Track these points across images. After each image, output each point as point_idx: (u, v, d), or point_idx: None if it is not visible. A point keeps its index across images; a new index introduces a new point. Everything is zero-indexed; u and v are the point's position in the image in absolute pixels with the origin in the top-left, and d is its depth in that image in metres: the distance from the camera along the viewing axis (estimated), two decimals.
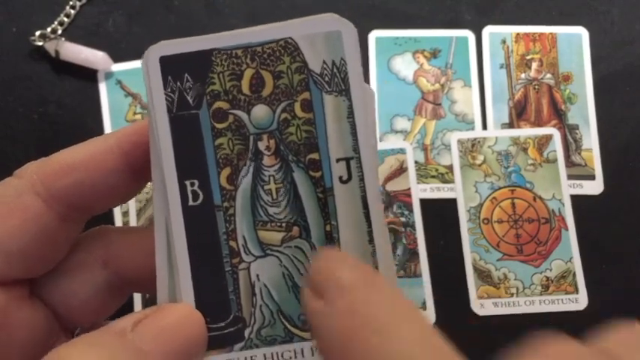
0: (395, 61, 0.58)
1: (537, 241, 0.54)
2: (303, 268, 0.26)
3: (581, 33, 0.59)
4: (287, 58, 0.26)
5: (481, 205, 0.55)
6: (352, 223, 0.25)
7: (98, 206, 0.27)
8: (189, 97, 0.25)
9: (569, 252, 0.54)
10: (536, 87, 0.58)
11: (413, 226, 0.54)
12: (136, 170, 0.26)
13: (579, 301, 0.53)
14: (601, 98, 0.58)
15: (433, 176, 0.55)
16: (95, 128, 0.55)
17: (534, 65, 0.59)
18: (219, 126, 0.25)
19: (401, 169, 0.55)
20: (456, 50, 0.59)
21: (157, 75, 0.25)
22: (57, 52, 0.55)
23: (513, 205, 0.55)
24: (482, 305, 0.52)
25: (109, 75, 0.56)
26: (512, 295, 0.53)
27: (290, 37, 0.26)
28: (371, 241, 0.25)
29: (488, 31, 0.59)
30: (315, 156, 0.26)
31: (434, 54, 0.58)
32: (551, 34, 0.59)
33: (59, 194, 0.25)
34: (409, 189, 0.55)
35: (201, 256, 0.25)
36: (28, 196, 0.25)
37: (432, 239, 0.54)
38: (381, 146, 0.56)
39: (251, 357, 0.25)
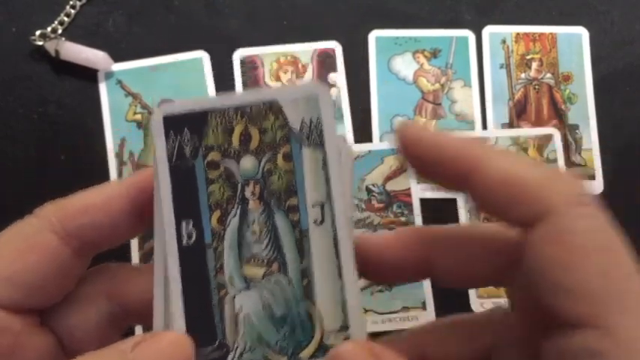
0: (395, 61, 0.58)
1: None
2: (281, 300, 0.29)
3: (581, 33, 0.59)
4: (272, 116, 0.30)
5: None
6: (324, 260, 0.29)
7: (107, 243, 0.30)
8: (186, 150, 0.30)
9: None
10: (537, 87, 0.58)
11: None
12: (141, 213, 0.30)
13: None
14: (601, 98, 0.58)
15: None
16: (95, 128, 0.55)
17: (534, 65, 0.59)
18: (211, 174, 0.30)
19: (401, 169, 0.55)
20: (456, 50, 0.59)
21: (161, 131, 0.29)
22: (57, 51, 0.55)
23: None
24: (482, 305, 0.52)
25: (109, 75, 0.56)
26: None
27: (276, 100, 0.30)
28: (340, 276, 0.29)
29: (488, 31, 0.59)
30: (294, 201, 0.29)
31: (434, 54, 0.58)
32: (551, 34, 0.59)
33: (75, 233, 0.29)
34: (409, 189, 0.55)
35: (192, 289, 0.29)
36: (47, 234, 0.28)
37: None
38: (381, 146, 0.56)
39: None
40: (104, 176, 0.54)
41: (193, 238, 0.29)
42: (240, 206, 0.30)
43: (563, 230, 0.25)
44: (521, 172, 0.26)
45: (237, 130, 0.30)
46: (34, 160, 0.54)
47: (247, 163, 0.30)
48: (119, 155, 0.54)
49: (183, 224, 0.29)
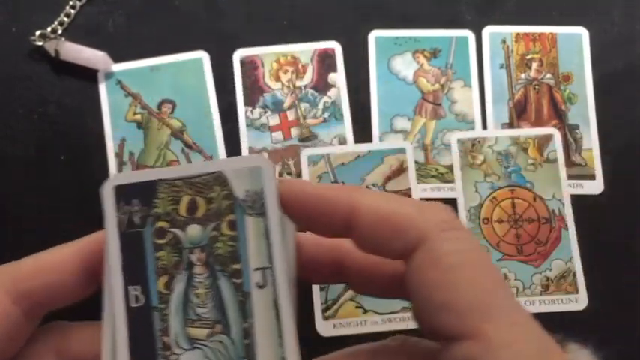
0: (395, 61, 0.58)
1: (537, 241, 0.54)
2: (224, 359, 0.31)
3: (581, 33, 0.59)
4: (217, 187, 0.32)
5: (481, 205, 0.55)
6: (265, 320, 0.31)
7: (57, 304, 0.31)
8: (136, 218, 0.32)
9: (569, 252, 0.54)
10: (536, 87, 0.58)
11: None
12: (92, 275, 0.31)
13: (579, 300, 0.53)
14: (601, 98, 0.58)
15: (433, 176, 0.55)
16: (95, 128, 0.55)
17: (534, 65, 0.59)
18: (159, 241, 0.32)
19: (401, 169, 0.55)
20: (456, 50, 0.59)
21: (111, 200, 0.32)
22: (57, 52, 0.55)
23: (513, 205, 0.55)
24: None
25: (109, 75, 0.56)
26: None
27: (221, 171, 0.32)
28: (280, 335, 0.31)
29: (488, 31, 0.59)
30: (237, 266, 0.32)
31: (434, 54, 0.59)
32: (551, 34, 0.59)
33: (27, 294, 0.30)
34: (409, 189, 0.55)
35: (138, 349, 0.31)
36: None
37: None
38: (381, 146, 0.56)
39: None
40: (104, 176, 0.54)
41: (141, 301, 0.31)
42: (186, 271, 0.32)
43: (435, 254, 0.28)
44: (392, 209, 0.29)
45: (185, 199, 0.32)
46: (34, 160, 0.54)
47: (194, 230, 0.32)
48: (119, 155, 0.54)
49: (131, 288, 0.31)
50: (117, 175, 0.33)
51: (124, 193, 0.32)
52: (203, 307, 0.32)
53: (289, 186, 0.31)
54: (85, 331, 0.33)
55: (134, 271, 0.31)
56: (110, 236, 0.31)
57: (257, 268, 0.32)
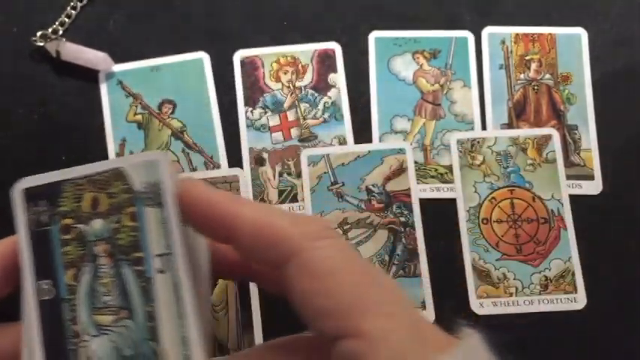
0: (395, 61, 0.58)
1: (536, 241, 0.54)
2: (130, 342, 0.34)
3: (580, 33, 0.59)
4: (117, 182, 0.35)
5: (480, 205, 0.55)
6: (167, 303, 0.33)
7: None
8: (43, 218, 0.34)
9: (568, 252, 0.54)
10: (536, 87, 0.58)
11: (412, 226, 0.54)
12: (9, 275, 0.33)
13: (578, 300, 0.53)
14: (600, 98, 0.58)
15: (433, 176, 0.56)
16: (96, 129, 0.55)
17: (533, 66, 0.59)
18: (65, 237, 0.34)
19: (401, 169, 0.55)
20: (455, 51, 0.59)
21: (20, 202, 0.34)
22: (58, 52, 0.55)
23: (512, 205, 0.55)
24: (482, 305, 0.53)
25: (110, 75, 0.56)
26: (511, 294, 0.53)
27: (120, 167, 0.35)
28: (182, 315, 0.33)
29: (487, 31, 0.59)
30: (139, 254, 0.34)
31: (433, 54, 0.59)
32: (550, 34, 0.59)
33: None
34: (409, 189, 0.55)
35: (50, 339, 0.34)
36: None
37: (432, 239, 0.54)
38: (381, 146, 0.56)
39: None
40: None
41: (51, 294, 0.34)
42: (91, 263, 0.34)
43: (307, 263, 0.29)
44: (268, 221, 0.31)
45: (88, 197, 0.35)
46: (35, 160, 0.54)
47: (97, 224, 0.35)
48: (120, 155, 0.55)
49: (42, 283, 0.34)
50: (25, 179, 0.35)
51: (32, 194, 0.34)
52: (108, 295, 0.34)
53: (184, 185, 0.33)
54: (9, 330, 0.35)
55: (43, 266, 0.34)
56: (21, 236, 0.34)
57: (158, 255, 0.34)
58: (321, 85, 0.57)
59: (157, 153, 0.37)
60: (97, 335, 0.34)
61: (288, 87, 0.57)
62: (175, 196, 0.34)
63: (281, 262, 0.30)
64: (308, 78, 0.57)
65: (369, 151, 0.55)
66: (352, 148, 0.56)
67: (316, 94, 0.57)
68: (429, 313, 0.52)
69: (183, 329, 0.33)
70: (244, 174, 0.54)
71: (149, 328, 0.34)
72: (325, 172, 0.55)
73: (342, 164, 0.55)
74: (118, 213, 0.34)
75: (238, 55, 0.58)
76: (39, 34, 0.56)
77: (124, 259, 0.34)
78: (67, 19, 0.58)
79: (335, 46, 0.58)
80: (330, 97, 0.57)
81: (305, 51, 0.58)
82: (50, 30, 0.57)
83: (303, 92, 0.57)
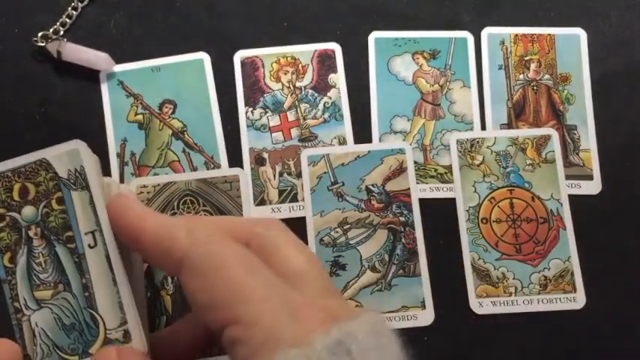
0: (394, 62, 0.59)
1: (536, 241, 0.54)
2: (68, 312, 0.38)
3: (580, 34, 0.60)
4: (43, 172, 0.39)
5: (480, 204, 0.55)
6: (100, 273, 0.38)
7: None
8: None
9: (567, 251, 0.54)
10: (535, 88, 0.59)
11: (412, 226, 0.54)
12: None
13: (577, 300, 0.53)
14: (599, 99, 0.58)
15: (432, 176, 0.56)
16: (96, 129, 0.55)
17: (533, 66, 0.59)
18: None
19: (400, 169, 0.55)
20: (455, 51, 0.59)
21: None
22: (59, 52, 0.56)
23: (512, 204, 0.55)
24: (481, 304, 0.53)
25: (110, 76, 0.57)
26: (510, 294, 0.53)
27: (44, 158, 0.39)
28: (115, 284, 0.37)
29: (487, 32, 0.59)
30: (70, 233, 0.38)
31: (433, 55, 0.59)
32: (549, 35, 0.60)
33: None
34: (408, 189, 0.55)
35: None
36: None
37: (431, 239, 0.54)
38: (381, 146, 0.56)
39: None
40: (106, 176, 0.54)
41: None
42: (26, 246, 0.38)
43: (193, 264, 0.33)
44: (166, 232, 0.34)
45: (16, 187, 0.39)
46: None
47: (28, 211, 0.39)
48: (120, 155, 0.55)
49: None
50: None
51: None
52: (45, 272, 0.38)
53: (114, 198, 0.37)
54: None
55: None
56: None
57: (87, 233, 0.38)
58: (321, 86, 0.57)
59: (75, 141, 0.40)
60: (38, 309, 0.38)
61: (289, 87, 0.57)
62: (98, 178, 0.39)
63: (175, 268, 0.34)
64: (308, 78, 0.58)
65: (369, 151, 0.56)
66: (352, 148, 0.56)
67: (316, 95, 0.57)
68: (429, 312, 0.52)
69: (118, 295, 0.37)
70: (245, 173, 0.55)
71: (86, 297, 0.38)
72: (325, 172, 0.55)
73: (342, 164, 0.55)
74: (47, 199, 0.39)
75: (239, 56, 0.58)
76: (40, 34, 0.56)
77: (56, 239, 0.38)
78: (68, 20, 0.58)
79: (335, 47, 0.58)
80: (330, 98, 0.57)
81: (305, 51, 0.58)
82: (51, 30, 0.57)
83: (303, 92, 0.57)
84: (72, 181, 0.39)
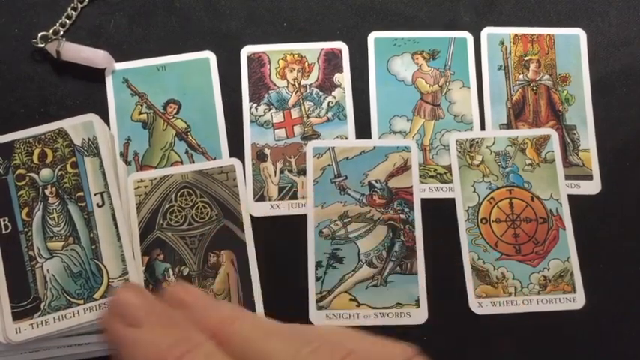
0: (394, 62, 0.59)
1: (535, 241, 0.54)
2: (77, 261, 0.45)
3: (579, 34, 0.60)
4: (60, 139, 0.47)
5: (479, 205, 0.55)
6: (106, 230, 0.45)
7: None
8: (1, 169, 0.46)
9: (567, 251, 0.54)
10: (534, 88, 0.59)
11: (412, 224, 0.54)
12: None
13: (576, 300, 0.53)
14: (598, 99, 0.58)
15: (432, 176, 0.56)
16: None
17: (532, 66, 0.59)
18: (20, 184, 0.46)
19: (405, 167, 0.55)
20: (454, 51, 0.59)
21: None
22: (58, 52, 0.55)
23: (511, 205, 0.55)
24: (481, 304, 0.53)
25: (116, 74, 0.56)
26: (510, 294, 0.53)
27: (62, 127, 0.47)
28: (119, 239, 0.45)
29: (486, 32, 0.60)
30: (81, 194, 0.46)
31: (433, 55, 0.59)
32: (549, 35, 0.60)
33: None
34: (411, 187, 0.55)
35: (11, 263, 0.45)
36: None
37: (431, 239, 0.54)
38: (386, 143, 0.56)
39: (45, 320, 0.44)
40: None
41: (9, 228, 0.45)
42: (42, 203, 0.46)
43: None
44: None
45: (37, 152, 0.46)
46: None
47: (45, 173, 0.46)
48: (123, 155, 0.55)
49: (2, 219, 0.45)
50: None
51: None
52: (57, 226, 0.45)
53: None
54: None
55: (2, 207, 0.45)
56: None
57: (96, 193, 0.45)
58: (326, 84, 0.57)
59: (91, 115, 0.47)
60: (50, 257, 0.45)
61: (294, 85, 0.57)
62: (108, 147, 0.46)
63: None
64: (314, 76, 0.58)
65: (375, 147, 0.56)
66: (358, 142, 0.56)
67: (321, 93, 0.57)
68: (422, 311, 0.52)
69: (121, 249, 0.45)
70: (240, 163, 0.54)
71: (92, 249, 0.45)
72: (329, 165, 0.55)
73: (347, 158, 0.55)
74: (62, 163, 0.46)
75: (245, 51, 0.58)
76: (40, 35, 0.56)
77: (69, 198, 0.45)
78: (67, 20, 0.58)
79: (342, 46, 0.58)
80: (334, 97, 0.57)
81: (312, 50, 0.58)
82: (51, 31, 0.57)
83: (308, 90, 0.57)
84: (85, 148, 0.46)
